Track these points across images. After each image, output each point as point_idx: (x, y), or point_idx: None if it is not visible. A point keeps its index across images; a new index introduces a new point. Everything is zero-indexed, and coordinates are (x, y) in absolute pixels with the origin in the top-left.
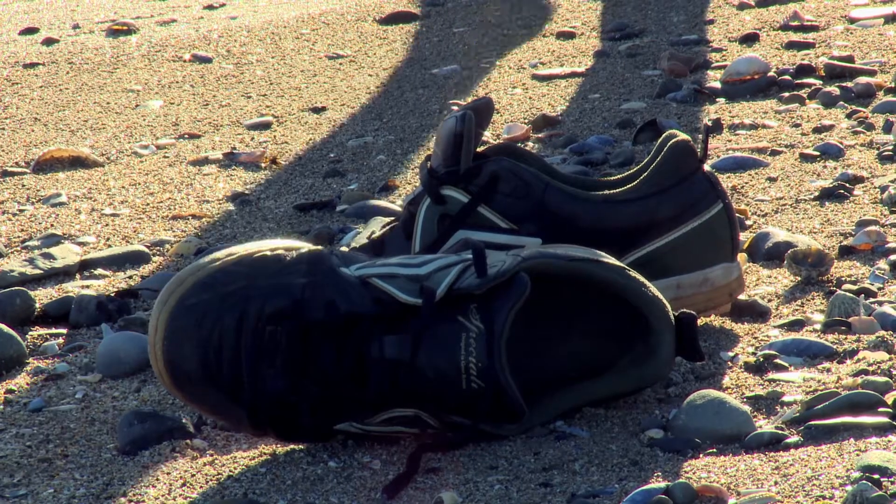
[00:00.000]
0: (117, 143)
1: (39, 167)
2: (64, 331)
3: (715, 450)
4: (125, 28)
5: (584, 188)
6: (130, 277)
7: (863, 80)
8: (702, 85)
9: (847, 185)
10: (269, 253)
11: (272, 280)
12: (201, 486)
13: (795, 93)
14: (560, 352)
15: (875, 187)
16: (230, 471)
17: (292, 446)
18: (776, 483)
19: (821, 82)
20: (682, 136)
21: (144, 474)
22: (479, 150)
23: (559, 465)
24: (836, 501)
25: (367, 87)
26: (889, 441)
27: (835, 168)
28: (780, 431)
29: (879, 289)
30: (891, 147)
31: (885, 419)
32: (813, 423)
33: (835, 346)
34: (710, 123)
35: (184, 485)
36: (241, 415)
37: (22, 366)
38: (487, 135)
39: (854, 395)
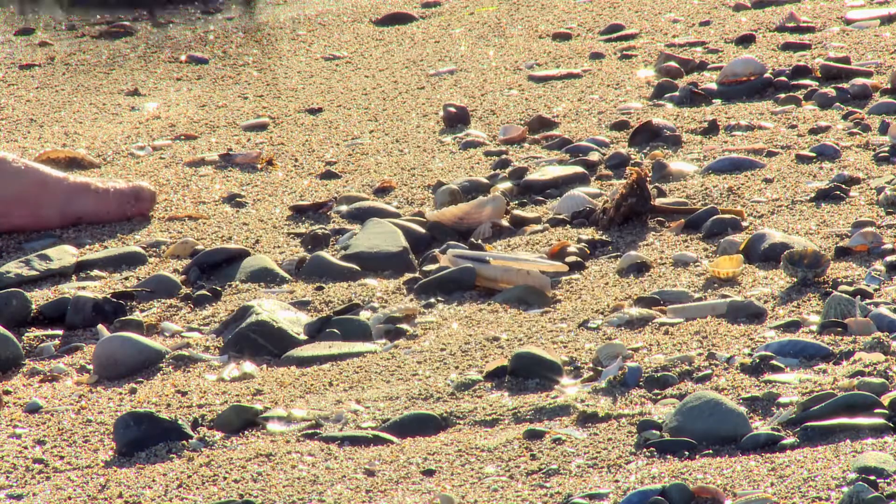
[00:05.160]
0: (113, 144)
1: None
2: (60, 332)
3: (711, 451)
4: (122, 30)
5: None
6: (126, 279)
7: (859, 81)
8: (698, 86)
9: (843, 186)
10: None
11: None
12: (197, 487)
13: (791, 94)
14: None
15: (871, 188)
16: (226, 472)
17: (287, 447)
18: (772, 484)
19: (817, 83)
20: None
21: (140, 475)
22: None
23: (555, 466)
24: (832, 502)
25: (364, 88)
26: (885, 442)
27: (831, 169)
28: (776, 433)
29: (876, 290)
30: (887, 148)
31: (881, 420)
32: (809, 424)
33: (831, 348)
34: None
35: (180, 486)
36: None
37: (18, 367)
38: (483, 136)
39: (850, 397)
